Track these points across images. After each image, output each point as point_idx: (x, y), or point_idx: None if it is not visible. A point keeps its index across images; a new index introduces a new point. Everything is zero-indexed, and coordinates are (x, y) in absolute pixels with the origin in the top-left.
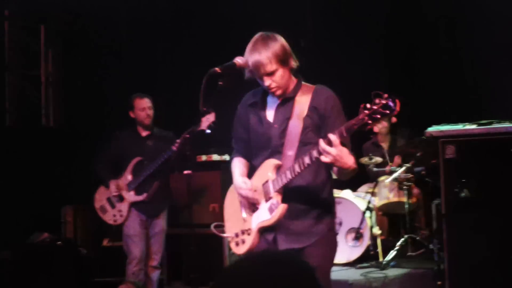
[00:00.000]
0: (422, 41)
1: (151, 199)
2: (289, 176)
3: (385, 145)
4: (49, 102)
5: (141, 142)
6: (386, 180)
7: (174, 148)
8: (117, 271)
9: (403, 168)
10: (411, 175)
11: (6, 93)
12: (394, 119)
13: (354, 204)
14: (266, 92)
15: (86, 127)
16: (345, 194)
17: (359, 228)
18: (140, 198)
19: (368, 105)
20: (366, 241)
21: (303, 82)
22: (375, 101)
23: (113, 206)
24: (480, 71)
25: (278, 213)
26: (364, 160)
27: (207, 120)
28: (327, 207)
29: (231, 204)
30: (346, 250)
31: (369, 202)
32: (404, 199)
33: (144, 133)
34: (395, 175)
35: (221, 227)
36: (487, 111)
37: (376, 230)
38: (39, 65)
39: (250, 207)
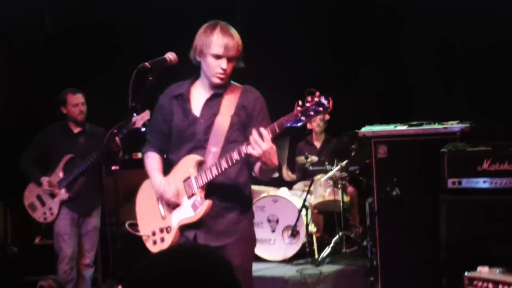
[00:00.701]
0: (358, 39)
1: (83, 197)
2: (215, 172)
3: (318, 144)
4: None
5: (73, 138)
6: (322, 178)
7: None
8: (50, 269)
9: (338, 167)
10: (345, 174)
11: None
12: (327, 116)
13: (291, 202)
14: (192, 85)
15: (12, 122)
16: (282, 192)
17: (295, 226)
18: (71, 196)
19: (301, 102)
20: (302, 239)
21: (231, 81)
22: (308, 98)
23: (43, 204)
24: (413, 73)
25: (203, 210)
26: (301, 159)
27: (142, 118)
28: (248, 206)
29: (146, 201)
30: (282, 247)
31: (305, 200)
32: (339, 197)
33: (76, 130)
34: (330, 173)
35: (135, 225)
36: (417, 113)
37: (312, 228)
38: None
39: (169, 204)
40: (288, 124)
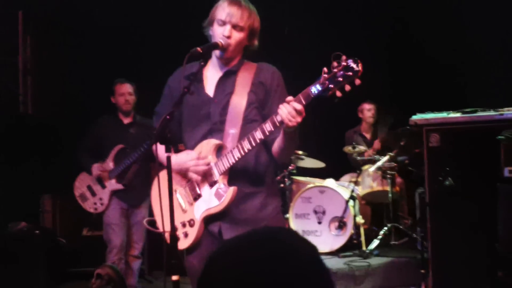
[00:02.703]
0: (405, 27)
1: (133, 187)
2: (237, 155)
3: (368, 135)
4: (27, 89)
5: (123, 129)
6: (370, 169)
7: None
8: (97, 260)
9: (387, 157)
10: (394, 164)
11: None
12: (358, 81)
13: (338, 193)
14: (204, 65)
15: (66, 114)
16: (329, 183)
17: (342, 217)
18: (121, 186)
19: (326, 69)
20: (349, 230)
21: (245, 60)
22: (334, 63)
23: (93, 194)
24: (465, 59)
25: (228, 197)
26: (348, 149)
27: None
28: (273, 190)
29: (164, 193)
30: (330, 239)
31: (352, 191)
32: (388, 188)
33: (126, 120)
34: (378, 163)
35: (154, 222)
36: (471, 99)
37: (360, 219)
38: (17, 51)
39: (190, 196)
40: (316, 93)
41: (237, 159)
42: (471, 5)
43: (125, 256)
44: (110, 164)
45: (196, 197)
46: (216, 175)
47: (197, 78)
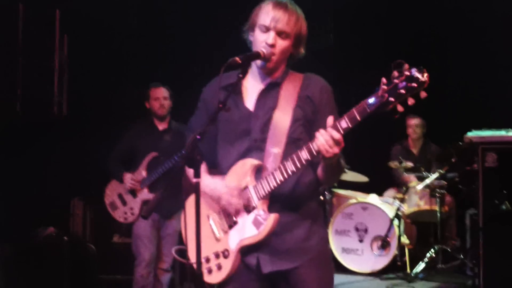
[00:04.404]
0: (455, 42)
1: (165, 198)
2: (279, 178)
3: (415, 151)
4: (62, 90)
5: (158, 136)
6: (418, 186)
7: None
8: (127, 268)
9: (436, 174)
10: (444, 182)
11: (18, 80)
12: (423, 94)
13: (382, 210)
14: (243, 77)
15: (100, 117)
16: (372, 199)
17: (386, 236)
18: (153, 196)
19: (385, 80)
20: (393, 251)
21: (290, 71)
22: (395, 73)
23: (124, 203)
24: None
25: (269, 226)
26: (394, 164)
27: None
28: (319, 217)
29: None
30: (371, 259)
31: (398, 209)
32: (436, 208)
33: (161, 127)
34: (427, 181)
35: (184, 251)
36: None
37: (404, 239)
38: (54, 52)
39: (225, 223)
40: (373, 109)
41: (279, 182)
42: None
43: (154, 269)
44: (142, 173)
45: (232, 224)
46: (255, 200)
47: (235, 90)
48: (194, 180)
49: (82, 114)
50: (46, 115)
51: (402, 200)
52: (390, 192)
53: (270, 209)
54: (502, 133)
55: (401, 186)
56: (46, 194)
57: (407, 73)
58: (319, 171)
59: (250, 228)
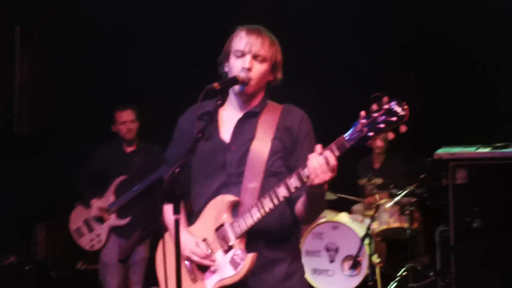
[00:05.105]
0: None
1: (134, 223)
2: (257, 215)
3: (377, 165)
4: (23, 108)
5: (126, 158)
6: (387, 204)
7: None
8: None
9: (405, 192)
10: (413, 199)
11: None
12: (391, 136)
13: (352, 230)
14: (222, 104)
15: (64, 136)
16: (342, 217)
17: (357, 256)
18: (122, 222)
19: (364, 113)
20: (364, 270)
21: (268, 100)
22: (374, 107)
23: (91, 230)
24: (495, 88)
25: (246, 266)
26: (363, 181)
27: None
28: (298, 255)
29: (169, 259)
30: (342, 280)
31: (368, 229)
32: (406, 225)
33: (129, 149)
34: (396, 198)
35: None
36: (503, 133)
37: (375, 258)
38: (14, 68)
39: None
40: (352, 143)
41: (256, 220)
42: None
43: None
44: (110, 198)
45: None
46: (232, 239)
47: (211, 119)
48: (174, 216)
49: (45, 133)
50: (5, 134)
51: (372, 218)
52: (359, 207)
53: (248, 248)
54: (472, 149)
55: (370, 203)
56: (6, 220)
57: (386, 106)
58: (299, 207)
59: (227, 268)
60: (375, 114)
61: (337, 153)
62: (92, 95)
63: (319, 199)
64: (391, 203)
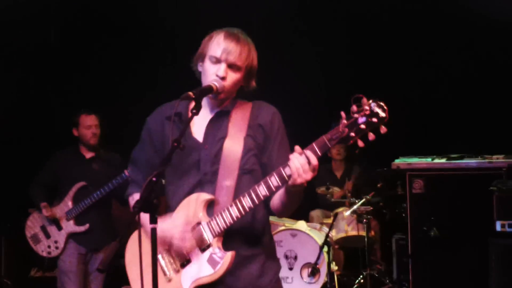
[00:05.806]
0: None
1: (93, 230)
2: (236, 214)
3: (338, 173)
4: None
5: (85, 164)
6: (345, 212)
7: (126, 173)
8: None
9: (363, 200)
10: (370, 208)
11: None
12: (383, 129)
13: (311, 237)
14: (196, 113)
15: (19, 142)
16: (300, 225)
17: (315, 263)
18: (81, 228)
19: (344, 114)
20: (322, 277)
21: (238, 99)
22: (354, 108)
23: (48, 236)
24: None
25: (226, 264)
26: (321, 189)
27: None
28: (271, 251)
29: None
30: (301, 287)
31: (327, 236)
32: (363, 233)
33: (88, 155)
34: (354, 207)
35: None
36: (458, 144)
37: (334, 266)
38: None
39: (177, 262)
40: (333, 143)
41: (235, 219)
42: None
43: None
44: (68, 203)
45: (184, 263)
46: (209, 237)
47: (182, 119)
48: (150, 226)
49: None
50: None
51: (330, 226)
52: (317, 212)
53: (225, 246)
54: (428, 160)
55: (325, 208)
56: None
57: (366, 107)
58: (276, 202)
59: (205, 267)
60: (356, 115)
61: (319, 153)
62: (49, 100)
63: (297, 195)
64: (349, 212)
